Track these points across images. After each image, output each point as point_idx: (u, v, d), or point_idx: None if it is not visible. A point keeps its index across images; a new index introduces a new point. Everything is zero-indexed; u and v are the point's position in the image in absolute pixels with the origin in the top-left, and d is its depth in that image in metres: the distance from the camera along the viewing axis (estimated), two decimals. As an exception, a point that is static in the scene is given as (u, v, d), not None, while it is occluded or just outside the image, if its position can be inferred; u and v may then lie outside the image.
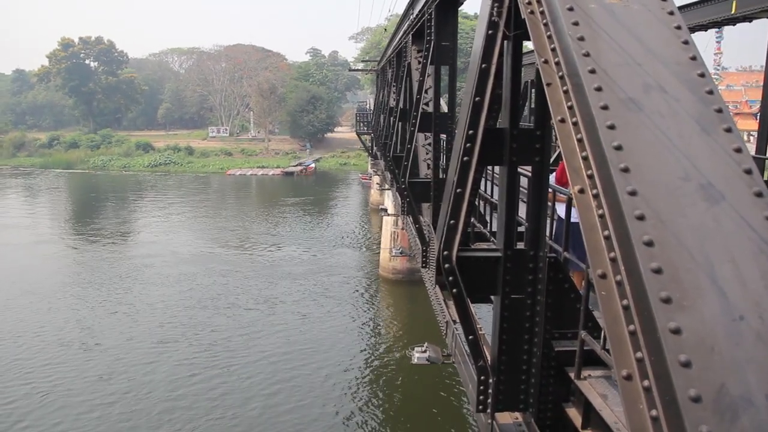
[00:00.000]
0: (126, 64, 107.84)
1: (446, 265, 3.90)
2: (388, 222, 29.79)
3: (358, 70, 71.60)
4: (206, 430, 16.96)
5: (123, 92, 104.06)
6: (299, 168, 74.90)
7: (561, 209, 5.86)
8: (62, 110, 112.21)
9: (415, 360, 8.51)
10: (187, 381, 19.74)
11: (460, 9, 9.53)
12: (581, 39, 2.55)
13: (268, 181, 71.77)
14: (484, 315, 6.23)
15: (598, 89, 2.37)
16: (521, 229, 4.55)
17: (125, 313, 26.06)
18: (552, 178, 5.71)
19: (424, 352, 8.43)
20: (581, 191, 2.37)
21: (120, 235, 43.20)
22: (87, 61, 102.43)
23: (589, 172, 2.33)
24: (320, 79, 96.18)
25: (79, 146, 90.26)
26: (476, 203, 7.16)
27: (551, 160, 4.25)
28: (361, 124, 44.08)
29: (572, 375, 3.82)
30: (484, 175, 6.54)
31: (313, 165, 76.98)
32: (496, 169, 7.45)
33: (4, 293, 28.39)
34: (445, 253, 3.90)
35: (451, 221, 3.93)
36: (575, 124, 2.50)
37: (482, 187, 7.21)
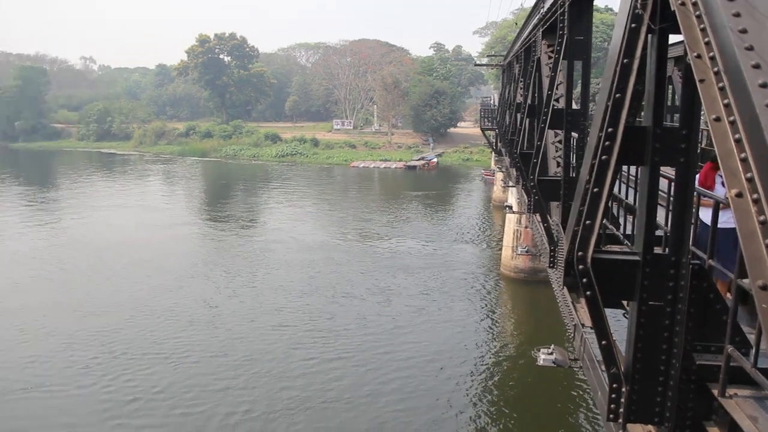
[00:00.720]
0: (256, 58, 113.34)
1: (580, 267, 3.78)
2: (511, 220, 29.30)
3: (483, 65, 70.91)
4: (321, 411, 17.57)
5: (253, 85, 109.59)
6: (421, 162, 75.24)
7: (704, 214, 5.52)
8: (198, 102, 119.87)
9: (541, 361, 8.29)
10: (305, 364, 20.47)
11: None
12: (743, 32, 2.38)
13: (391, 174, 72.73)
14: (614, 320, 5.98)
15: (764, 86, 2.19)
16: (658, 233, 4.32)
17: (249, 296, 27.40)
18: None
19: (551, 354, 8.19)
20: (739, 195, 2.22)
21: (247, 220, 45.49)
22: (221, 56, 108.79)
23: (749, 174, 2.18)
24: (444, 74, 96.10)
25: (213, 136, 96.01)
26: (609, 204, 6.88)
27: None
28: (486, 120, 43.62)
29: (715, 392, 3.58)
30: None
31: (435, 160, 77.08)
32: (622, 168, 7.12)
33: (141, 272, 30.69)
34: (580, 254, 3.78)
35: (587, 221, 3.79)
36: (732, 123, 2.34)
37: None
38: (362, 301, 26.55)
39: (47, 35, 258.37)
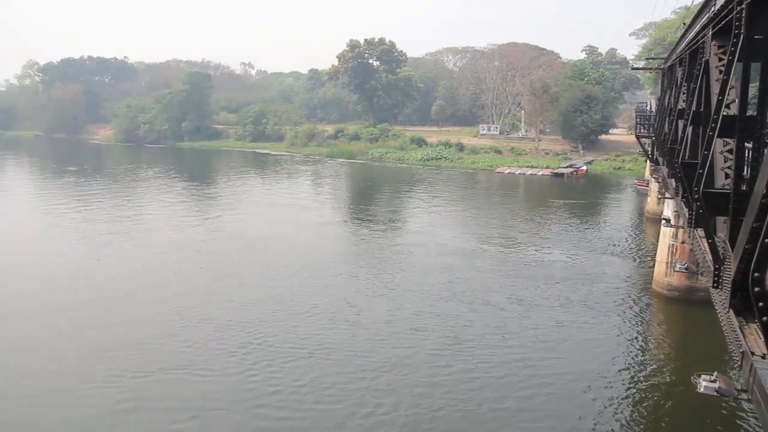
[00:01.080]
0: (404, 62, 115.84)
1: (756, 289, 3.40)
2: (666, 234, 27.41)
3: (640, 68, 67.27)
4: (459, 420, 17.33)
5: (401, 89, 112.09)
6: (570, 170, 72.85)
7: None
8: (347, 105, 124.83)
9: (702, 389, 7.61)
10: (443, 370, 20.31)
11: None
12: None
13: (537, 181, 71.07)
14: None
15: None
16: None
17: (387, 297, 27.74)
18: None
19: (713, 381, 7.49)
20: None
21: (389, 222, 46.41)
22: (370, 61, 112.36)
23: None
24: (596, 78, 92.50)
25: (360, 139, 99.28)
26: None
27: None
28: (641, 127, 41.20)
29: None
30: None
31: (584, 167, 74.30)
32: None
33: (288, 267, 32.07)
34: (756, 275, 3.40)
35: (767, 240, 3.40)
36: None
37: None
38: (502, 311, 26.01)
39: (213, 44, 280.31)
